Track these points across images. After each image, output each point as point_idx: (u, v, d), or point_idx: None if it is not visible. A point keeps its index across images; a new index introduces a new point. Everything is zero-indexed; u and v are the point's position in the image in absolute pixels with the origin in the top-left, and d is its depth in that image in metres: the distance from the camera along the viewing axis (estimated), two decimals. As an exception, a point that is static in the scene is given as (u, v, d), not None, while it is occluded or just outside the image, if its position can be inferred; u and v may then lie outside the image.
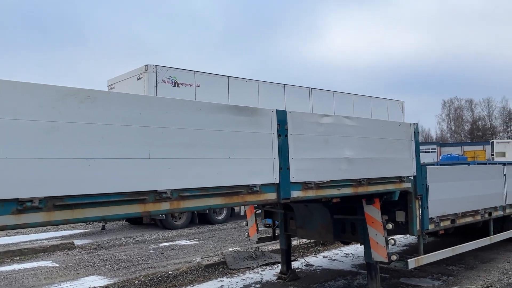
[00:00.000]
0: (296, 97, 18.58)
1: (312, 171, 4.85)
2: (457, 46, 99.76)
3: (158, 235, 13.44)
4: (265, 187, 4.36)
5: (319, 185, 4.92)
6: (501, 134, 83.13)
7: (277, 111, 4.56)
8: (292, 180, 4.61)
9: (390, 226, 6.07)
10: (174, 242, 12.09)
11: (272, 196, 4.44)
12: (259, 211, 8.75)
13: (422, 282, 7.48)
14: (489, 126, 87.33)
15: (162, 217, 14.32)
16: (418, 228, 6.41)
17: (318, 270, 8.60)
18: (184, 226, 14.85)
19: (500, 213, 8.50)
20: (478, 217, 7.83)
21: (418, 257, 6.42)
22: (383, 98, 23.86)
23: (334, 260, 9.47)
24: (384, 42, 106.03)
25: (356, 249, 10.44)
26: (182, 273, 8.26)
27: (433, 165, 17.06)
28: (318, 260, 9.53)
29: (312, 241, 10.14)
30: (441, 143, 76.14)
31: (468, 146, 68.78)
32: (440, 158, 57.88)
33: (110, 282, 7.86)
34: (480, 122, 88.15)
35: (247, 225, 8.25)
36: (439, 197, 6.80)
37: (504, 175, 8.69)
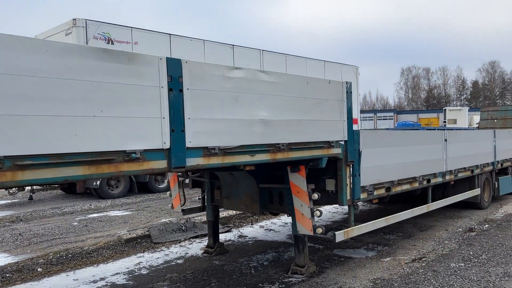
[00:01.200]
0: (245, 59, 17.58)
1: (216, 135, 4.07)
2: (417, 15, 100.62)
3: (90, 205, 12.47)
4: (150, 154, 3.54)
5: (226, 151, 4.16)
6: (454, 102, 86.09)
7: (168, 59, 3.69)
8: (188, 145, 3.81)
9: (316, 196, 5.47)
10: (105, 213, 11.19)
11: (160, 164, 3.63)
12: (187, 180, 8.00)
13: (356, 253, 7.06)
14: (443, 94, 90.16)
15: (96, 186, 13.31)
16: (348, 197, 5.86)
17: (251, 242, 8.03)
18: (122, 195, 13.92)
19: (439, 179, 8.16)
20: (416, 185, 7.43)
21: (348, 229, 5.91)
22: (337, 62, 23.30)
23: (271, 230, 8.95)
24: (344, 9, 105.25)
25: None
26: (99, 249, 7.44)
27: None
28: (254, 230, 8.97)
29: (248, 210, 9.55)
30: (398, 110, 77.96)
31: (423, 114, 70.89)
32: (396, 125, 59.22)
33: (13, 261, 6.94)
34: (435, 91, 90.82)
35: (170, 196, 7.48)
36: (373, 163, 6.26)
37: (445, 140, 8.31)
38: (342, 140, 5.70)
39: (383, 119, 72.07)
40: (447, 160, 8.37)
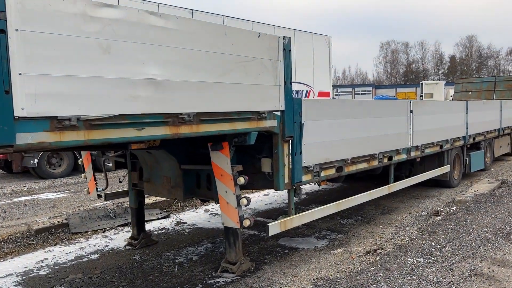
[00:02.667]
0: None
1: (75, 100, 2.87)
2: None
3: (24, 186, 11.15)
4: None
5: (92, 123, 2.97)
6: (432, 77, 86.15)
7: (-25, -18, 2.42)
8: (20, 113, 2.60)
9: (242, 180, 4.36)
10: (36, 196, 9.92)
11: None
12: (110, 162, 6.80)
13: (304, 243, 6.06)
14: (422, 69, 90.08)
15: (33, 165, 11.94)
16: (286, 180, 4.78)
17: (188, 230, 6.94)
18: (65, 174, 12.61)
19: (403, 157, 7.17)
20: (375, 163, 6.41)
21: (286, 219, 4.85)
22: (308, 32, 21.99)
23: (216, 215, 7.87)
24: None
25: (253, 199, 8.93)
26: (0, 242, 6.23)
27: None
28: (196, 216, 7.88)
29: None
30: (376, 85, 77.49)
31: (401, 88, 70.61)
32: (373, 99, 58.29)
33: None
34: (414, 65, 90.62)
35: (86, 179, 6.27)
36: (319, 139, 5.18)
37: (411, 111, 7.28)
38: (277, 111, 4.57)
39: (361, 93, 71.75)
40: (412, 135, 7.37)
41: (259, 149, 4.93)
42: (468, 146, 10.15)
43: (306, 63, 21.79)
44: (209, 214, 7.92)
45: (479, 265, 4.62)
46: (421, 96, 54.82)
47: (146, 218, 7.60)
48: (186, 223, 7.40)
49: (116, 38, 3.04)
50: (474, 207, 6.96)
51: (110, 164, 7.10)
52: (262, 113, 4.34)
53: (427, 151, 7.99)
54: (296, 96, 21.31)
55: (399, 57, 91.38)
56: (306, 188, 10.01)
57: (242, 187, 5.28)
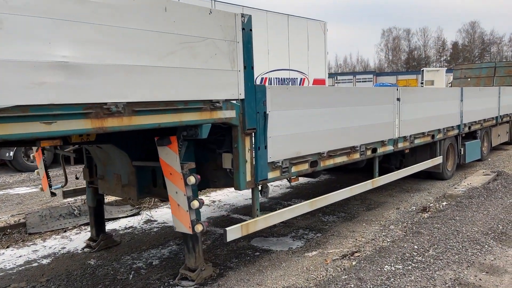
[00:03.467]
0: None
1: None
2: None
3: (-2, 180, 10.65)
4: None
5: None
6: (434, 64, 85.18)
7: None
8: None
9: (193, 180, 3.81)
10: (7, 190, 9.42)
11: None
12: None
13: (278, 244, 5.55)
14: (423, 56, 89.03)
15: (9, 157, 11.43)
16: (248, 178, 4.24)
17: (156, 229, 6.44)
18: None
19: (389, 148, 6.61)
20: (357, 156, 5.86)
21: (248, 222, 4.32)
22: (302, 17, 21.24)
23: (190, 211, 7.35)
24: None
25: (231, 194, 8.43)
26: None
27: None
28: (169, 212, 7.35)
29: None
30: (377, 72, 76.58)
31: (402, 75, 69.78)
32: (373, 86, 57.68)
33: None
34: (416, 52, 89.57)
35: (39, 175, 5.74)
36: (288, 131, 4.62)
37: (398, 99, 6.70)
38: (235, 99, 4.01)
39: (362, 81, 71.16)
40: (400, 124, 6.80)
41: (220, 143, 4.39)
42: (463, 135, 9.58)
43: (300, 50, 21.10)
44: (183, 211, 7.39)
45: (465, 272, 4.09)
46: (422, 83, 54.08)
47: (114, 216, 7.13)
48: (156, 221, 6.90)
49: (8, 11, 2.47)
50: (465, 203, 6.42)
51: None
52: (216, 102, 3.78)
53: (417, 141, 7.42)
54: (290, 85, 20.70)
55: (401, 44, 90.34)
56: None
57: (204, 186, 4.77)
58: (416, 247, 4.68)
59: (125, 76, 3.08)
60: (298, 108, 4.73)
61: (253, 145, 4.22)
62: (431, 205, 6.78)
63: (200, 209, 3.98)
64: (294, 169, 4.79)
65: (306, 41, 21.40)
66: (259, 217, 4.39)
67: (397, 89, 6.73)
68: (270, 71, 19.54)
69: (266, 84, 18.53)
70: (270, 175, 4.47)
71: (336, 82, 66.96)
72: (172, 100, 3.42)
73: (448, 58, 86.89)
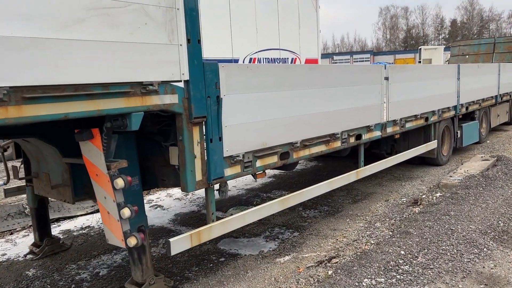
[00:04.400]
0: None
1: None
2: None
3: (-40, 174, 9.90)
4: None
5: None
6: (432, 42, 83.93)
7: None
8: None
9: (120, 182, 3.07)
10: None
11: None
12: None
13: (249, 247, 4.87)
14: (422, 34, 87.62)
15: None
16: (199, 177, 3.50)
17: (115, 229, 5.72)
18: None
19: (377, 134, 5.87)
20: (338, 144, 5.12)
21: (200, 229, 3.59)
22: (292, -7, 20.17)
23: (158, 207, 6.68)
24: None
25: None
26: None
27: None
28: (165, 200, 6.73)
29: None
30: (375, 52, 75.29)
31: (400, 55, 68.66)
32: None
33: None
34: (414, 30, 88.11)
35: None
36: (250, 118, 3.86)
37: (386, 79, 5.93)
38: (177, 81, 3.24)
39: (360, 60, 70.18)
40: (388, 107, 6.05)
41: (166, 135, 3.64)
42: (460, 116, 8.84)
43: (291, 29, 20.10)
44: (150, 207, 6.70)
45: (460, 286, 3.40)
46: (420, 61, 53.15)
47: (72, 214, 6.43)
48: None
49: None
50: (461, 194, 5.71)
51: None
52: (149, 85, 3.01)
53: (409, 125, 6.68)
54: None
55: (399, 23, 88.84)
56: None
57: (152, 184, 4.05)
58: (403, 252, 3.98)
59: (8, 51, 2.31)
60: (263, 90, 3.96)
61: (204, 137, 3.47)
62: (423, 196, 6.08)
63: (140, 216, 3.26)
64: (259, 163, 4.06)
65: (297, 19, 20.39)
66: (215, 223, 3.67)
67: (385, 67, 5.95)
68: (259, 51, 18.61)
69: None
70: (228, 171, 3.74)
71: (333, 62, 65.88)
72: (84, 83, 2.66)
73: (447, 36, 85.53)
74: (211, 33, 16.15)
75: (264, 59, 19.24)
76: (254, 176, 4.14)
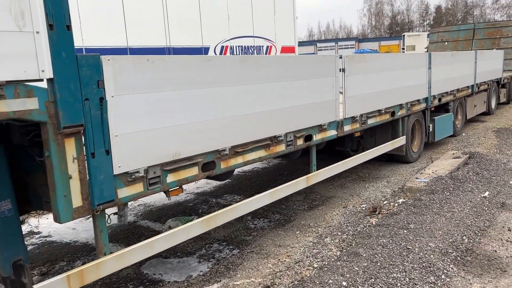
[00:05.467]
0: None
1: None
2: None
3: None
4: None
5: None
6: (417, 29, 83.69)
7: None
8: None
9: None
10: None
11: None
12: None
13: (177, 270, 4.16)
14: (407, 21, 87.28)
15: None
16: (79, 203, 2.75)
17: (32, 247, 4.97)
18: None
19: (331, 133, 5.17)
20: (281, 148, 4.40)
21: (83, 268, 2.85)
22: (266, -23, 19.23)
23: (82, 221, 5.88)
24: None
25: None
26: None
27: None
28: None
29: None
30: (360, 38, 74.72)
31: (385, 41, 68.25)
32: (353, 53, 56.60)
33: None
34: (399, 17, 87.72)
35: None
36: (155, 123, 3.11)
37: (342, 70, 5.21)
38: (34, 80, 2.46)
39: (345, 48, 69.68)
40: (345, 102, 5.35)
41: (39, 147, 2.86)
42: (433, 109, 8.20)
43: (265, 15, 19.23)
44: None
45: (406, 332, 2.74)
46: (403, 48, 52.81)
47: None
48: (41, 232, 5.43)
49: None
50: (425, 201, 5.07)
51: None
52: (-18, 88, 2.24)
53: (371, 122, 6.00)
54: (256, 53, 18.98)
55: (384, 9, 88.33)
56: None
57: (37, 206, 3.29)
58: (344, 284, 3.30)
59: None
60: (172, 88, 3.21)
61: (81, 152, 2.71)
62: (384, 203, 5.43)
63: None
64: (172, 178, 3.31)
65: (272, 5, 19.51)
66: (107, 257, 2.93)
67: (340, 57, 5.23)
68: (231, 39, 17.73)
69: (212, 53, 16.82)
70: (124, 192, 2.99)
71: (319, 50, 65.14)
72: None
73: (431, 23, 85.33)
74: (178, 20, 15.24)
75: (237, 47, 18.38)
76: (167, 193, 3.40)
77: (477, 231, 4.22)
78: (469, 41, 15.74)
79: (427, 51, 17.69)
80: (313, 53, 56.91)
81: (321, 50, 68.17)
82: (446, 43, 16.17)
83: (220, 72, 3.61)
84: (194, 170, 3.50)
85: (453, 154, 7.23)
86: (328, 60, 4.96)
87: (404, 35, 54.41)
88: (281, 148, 4.43)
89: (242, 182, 7.21)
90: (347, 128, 5.47)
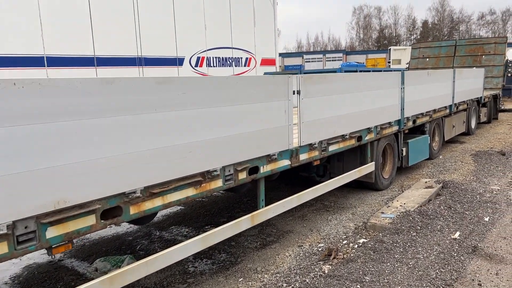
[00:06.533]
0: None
1: None
2: None
3: None
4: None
5: None
6: (404, 42, 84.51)
7: None
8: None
9: None
10: None
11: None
12: None
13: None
14: (394, 34, 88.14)
15: None
16: None
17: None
18: None
19: (283, 164, 4.53)
20: (217, 184, 3.74)
21: None
22: (247, -12, 18.77)
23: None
24: None
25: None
26: None
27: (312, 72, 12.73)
28: None
29: None
30: (348, 51, 75.05)
31: (372, 54, 68.64)
32: (340, 66, 56.84)
33: None
34: (386, 30, 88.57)
35: None
36: (19, 165, 2.42)
37: (297, 93, 4.59)
38: None
39: (332, 60, 69.92)
40: (301, 128, 4.72)
41: None
42: (406, 131, 7.64)
43: (245, 26, 18.74)
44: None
45: None
46: (389, 62, 53.04)
47: None
48: None
49: None
50: (387, 243, 4.44)
51: None
52: None
53: (333, 148, 5.39)
54: (234, 65, 18.36)
55: (372, 22, 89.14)
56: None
57: None
58: None
59: None
60: (51, 119, 2.53)
61: None
62: (344, 242, 4.79)
63: None
64: (54, 232, 2.63)
65: (252, 16, 19.00)
66: None
67: (297, 78, 4.62)
68: (208, 50, 17.13)
69: (187, 64, 16.16)
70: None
71: (306, 61, 65.09)
72: None
73: (418, 37, 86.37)
74: (150, 28, 14.59)
75: (214, 58, 17.80)
76: (49, 251, 2.70)
77: (443, 286, 3.60)
78: (451, 58, 15.38)
79: (408, 67, 17.32)
80: (300, 65, 56.76)
81: (309, 61, 68.28)
82: (427, 59, 15.79)
83: (128, 98, 2.95)
84: (90, 220, 2.82)
85: (426, 182, 6.65)
86: (279, 82, 4.33)
87: (390, 49, 54.66)
88: (217, 184, 3.77)
89: (195, 211, 6.52)
90: (303, 156, 4.85)
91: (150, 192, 3.17)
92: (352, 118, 5.68)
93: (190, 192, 3.53)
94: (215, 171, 3.69)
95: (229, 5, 17.71)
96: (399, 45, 75.50)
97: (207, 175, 3.64)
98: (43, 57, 11.82)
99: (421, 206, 5.51)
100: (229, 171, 3.86)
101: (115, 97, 2.87)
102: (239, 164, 3.96)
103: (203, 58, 16.83)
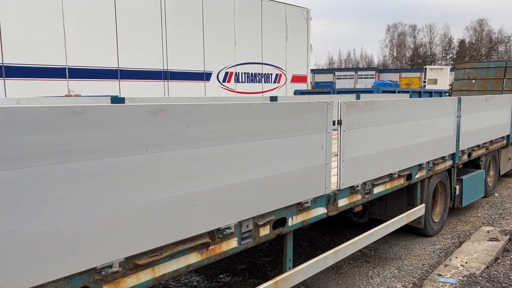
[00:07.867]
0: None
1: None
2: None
3: None
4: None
5: None
6: (439, 62, 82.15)
7: None
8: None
9: None
10: None
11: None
12: None
13: None
14: (429, 53, 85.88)
15: None
16: None
17: None
18: None
19: (318, 213, 3.56)
20: (231, 245, 2.82)
21: None
22: (280, 2, 18.04)
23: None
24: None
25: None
26: None
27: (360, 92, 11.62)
28: None
29: None
30: (380, 69, 73.42)
31: (406, 73, 66.75)
32: (372, 84, 55.36)
33: None
34: (421, 49, 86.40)
35: None
36: None
37: (338, 123, 3.63)
38: None
39: (365, 77, 68.58)
40: (341, 167, 3.75)
41: None
42: (460, 166, 6.52)
43: (277, 41, 17.94)
44: None
45: None
46: (425, 81, 51.16)
47: None
48: None
49: None
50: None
51: None
52: None
53: (379, 191, 4.38)
54: (263, 81, 17.56)
55: (406, 40, 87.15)
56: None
57: None
58: None
59: None
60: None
61: None
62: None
63: None
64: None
65: (284, 31, 18.19)
66: None
67: (339, 104, 3.67)
68: (237, 65, 16.41)
69: (215, 79, 15.41)
70: None
71: (337, 78, 63.92)
72: None
73: (454, 56, 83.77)
74: (177, 41, 14.00)
75: (243, 74, 17.04)
76: None
77: None
78: (500, 80, 14.02)
79: (451, 89, 16.01)
80: (332, 82, 55.62)
81: (340, 78, 67.10)
82: (473, 81, 14.48)
83: (108, 134, 2.09)
84: (40, 309, 1.94)
85: (488, 232, 5.49)
86: (316, 109, 3.40)
87: (426, 68, 52.83)
88: (231, 245, 2.85)
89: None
90: (342, 202, 3.86)
91: (134, 263, 2.28)
92: (402, 153, 4.65)
93: (192, 258, 2.61)
94: (228, 228, 2.77)
95: (260, 19, 16.99)
96: (434, 64, 73.19)
97: (217, 234, 2.73)
98: (65, 68, 11.38)
99: (488, 268, 4.38)
100: (248, 226, 2.93)
101: (81, 133, 2.02)
102: (261, 217, 3.02)
103: (231, 73, 16.10)
